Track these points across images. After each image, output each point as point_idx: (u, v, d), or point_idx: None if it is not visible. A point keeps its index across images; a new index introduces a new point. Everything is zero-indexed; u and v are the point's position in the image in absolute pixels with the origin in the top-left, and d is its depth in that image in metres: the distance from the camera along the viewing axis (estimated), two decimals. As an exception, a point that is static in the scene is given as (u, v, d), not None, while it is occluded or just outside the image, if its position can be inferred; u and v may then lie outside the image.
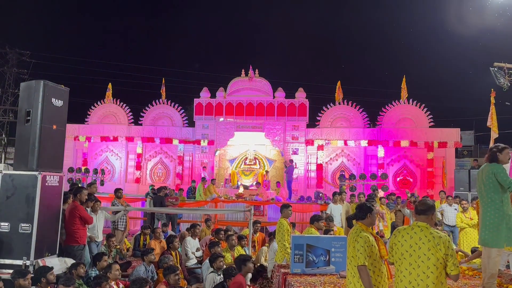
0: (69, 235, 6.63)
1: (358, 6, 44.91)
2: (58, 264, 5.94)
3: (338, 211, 9.96)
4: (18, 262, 5.73)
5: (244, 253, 8.21)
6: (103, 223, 8.08)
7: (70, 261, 6.07)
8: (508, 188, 4.75)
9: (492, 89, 13.46)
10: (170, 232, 10.46)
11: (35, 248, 5.81)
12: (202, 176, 16.11)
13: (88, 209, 7.29)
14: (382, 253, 3.90)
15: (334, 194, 10.40)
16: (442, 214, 10.20)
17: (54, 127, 6.33)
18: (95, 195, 8.86)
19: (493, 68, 11.43)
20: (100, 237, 7.83)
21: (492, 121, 13.62)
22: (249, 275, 7.32)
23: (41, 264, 5.70)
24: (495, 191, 4.81)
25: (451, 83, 36.93)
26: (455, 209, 9.93)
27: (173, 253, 7.57)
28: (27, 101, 6.19)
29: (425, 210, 3.59)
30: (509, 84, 11.35)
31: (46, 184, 6.04)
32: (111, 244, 8.34)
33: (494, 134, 13.62)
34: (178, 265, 7.36)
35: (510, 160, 5.29)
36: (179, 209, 11.61)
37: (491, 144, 13.60)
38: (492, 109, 13.57)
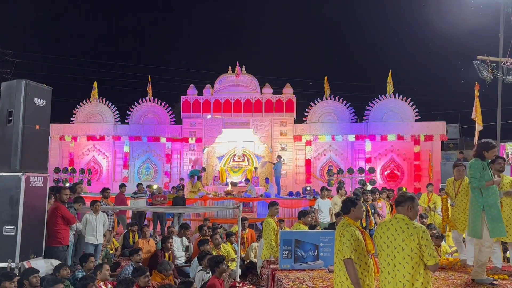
0: (51, 236, 6.40)
1: (344, 2, 45.05)
2: (44, 266, 5.85)
3: (326, 206, 10.03)
4: (3, 264, 5.62)
5: (233, 250, 8.22)
6: (104, 224, 7.97)
7: (56, 262, 5.97)
8: (470, 183, 5.05)
9: (476, 82, 13.65)
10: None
11: (20, 250, 5.70)
12: (190, 174, 16.03)
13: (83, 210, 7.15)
14: (369, 248, 3.93)
15: (322, 189, 10.48)
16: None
17: (37, 127, 6.21)
18: (82, 195, 8.77)
19: (476, 61, 11.57)
20: (100, 239, 7.73)
21: (476, 114, 13.83)
22: (239, 272, 7.34)
23: (26, 266, 5.60)
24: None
25: (436, 77, 37.31)
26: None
27: (167, 254, 7.55)
28: (9, 101, 6.06)
29: (400, 201, 3.69)
30: (492, 77, 11.51)
31: (30, 185, 5.93)
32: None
33: (479, 126, 13.84)
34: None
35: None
36: (168, 208, 11.52)
37: (476, 136, 13.83)
38: (477, 102, 13.76)
